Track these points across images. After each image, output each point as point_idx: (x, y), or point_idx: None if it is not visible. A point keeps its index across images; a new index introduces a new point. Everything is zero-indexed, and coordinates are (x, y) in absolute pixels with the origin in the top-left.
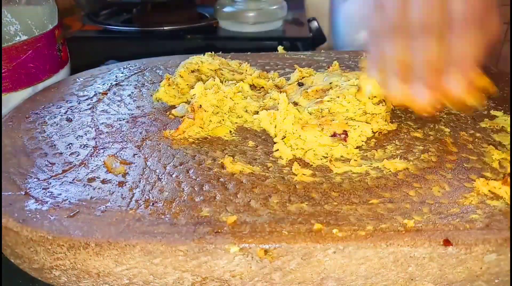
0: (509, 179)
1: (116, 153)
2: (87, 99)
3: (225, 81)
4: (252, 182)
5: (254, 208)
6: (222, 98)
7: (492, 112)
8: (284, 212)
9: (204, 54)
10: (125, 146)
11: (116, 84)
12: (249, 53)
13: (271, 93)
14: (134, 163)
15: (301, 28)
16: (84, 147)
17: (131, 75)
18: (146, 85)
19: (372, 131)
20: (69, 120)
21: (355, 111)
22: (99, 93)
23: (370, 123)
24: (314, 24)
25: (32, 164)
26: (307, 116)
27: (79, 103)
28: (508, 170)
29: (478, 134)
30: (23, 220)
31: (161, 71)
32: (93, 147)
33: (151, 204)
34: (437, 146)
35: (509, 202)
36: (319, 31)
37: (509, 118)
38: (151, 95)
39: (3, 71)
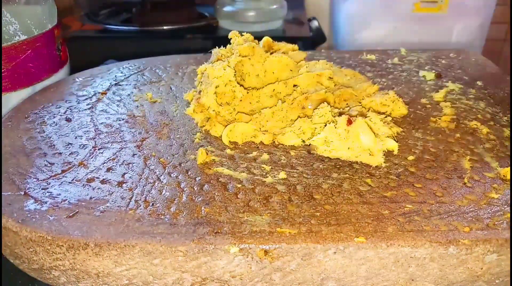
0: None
1: (115, 153)
2: (86, 99)
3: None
4: (252, 182)
5: (254, 208)
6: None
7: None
8: (284, 212)
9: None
10: (124, 146)
11: (116, 83)
12: None
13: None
14: (133, 163)
15: (301, 27)
16: (83, 147)
17: (131, 75)
18: (145, 85)
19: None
20: (68, 120)
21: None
22: (99, 93)
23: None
24: (315, 23)
25: (31, 164)
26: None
27: (79, 103)
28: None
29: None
30: (22, 220)
31: (160, 71)
32: (92, 147)
33: (151, 204)
34: (437, 145)
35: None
36: (319, 31)
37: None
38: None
39: (2, 71)
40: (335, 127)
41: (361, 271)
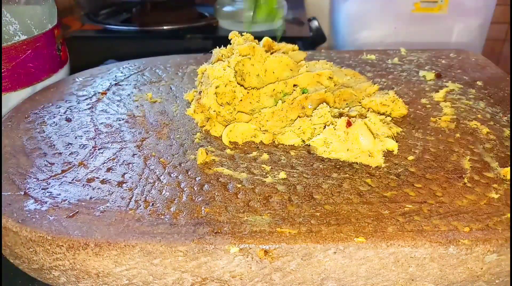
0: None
1: (115, 153)
2: (86, 99)
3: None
4: (252, 182)
5: (254, 208)
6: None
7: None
8: (284, 212)
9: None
10: (124, 146)
11: (116, 83)
12: None
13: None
14: (133, 163)
15: (302, 27)
16: (83, 147)
17: (131, 75)
18: (145, 85)
19: None
20: (68, 120)
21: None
22: (99, 92)
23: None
24: (315, 23)
25: (31, 164)
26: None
27: (79, 103)
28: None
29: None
30: (22, 220)
31: (160, 71)
32: (92, 147)
33: (151, 204)
34: (438, 146)
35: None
36: (319, 31)
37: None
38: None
39: (2, 70)
40: (334, 129)
41: (361, 271)
